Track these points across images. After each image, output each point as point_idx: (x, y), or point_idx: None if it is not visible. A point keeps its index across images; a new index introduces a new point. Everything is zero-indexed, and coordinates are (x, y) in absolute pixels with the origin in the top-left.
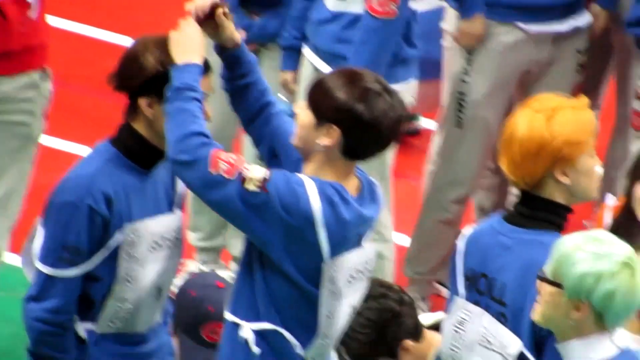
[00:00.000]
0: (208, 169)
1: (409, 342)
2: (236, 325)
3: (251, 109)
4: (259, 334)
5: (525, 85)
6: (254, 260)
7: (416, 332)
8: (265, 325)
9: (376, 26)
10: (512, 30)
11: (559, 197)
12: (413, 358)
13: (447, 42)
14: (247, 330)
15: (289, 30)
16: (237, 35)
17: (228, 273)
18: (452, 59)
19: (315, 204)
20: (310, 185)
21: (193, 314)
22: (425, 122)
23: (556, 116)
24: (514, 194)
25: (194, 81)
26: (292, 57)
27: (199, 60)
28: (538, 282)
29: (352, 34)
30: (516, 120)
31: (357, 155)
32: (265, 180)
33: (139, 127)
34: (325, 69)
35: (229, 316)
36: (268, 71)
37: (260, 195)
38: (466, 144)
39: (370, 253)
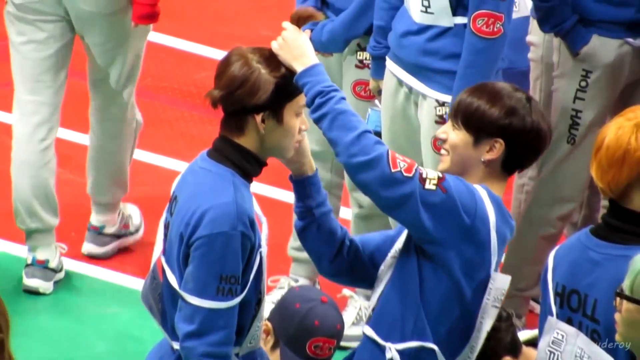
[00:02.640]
0: (388, 167)
1: (507, 358)
2: (378, 344)
3: (334, 242)
4: (404, 353)
5: (624, 96)
6: (409, 273)
7: (514, 347)
8: (412, 344)
9: (483, 47)
10: (623, 46)
11: None
12: None
13: (533, 54)
14: (393, 351)
15: (377, 40)
16: (313, 164)
17: None
18: (540, 70)
19: (489, 206)
20: (481, 191)
21: (298, 327)
22: None
23: None
24: (604, 207)
25: (328, 80)
26: (383, 66)
27: (318, 61)
28: (617, 299)
29: (438, 46)
30: (608, 128)
31: (517, 165)
32: (441, 179)
33: (247, 142)
34: (409, 80)
35: (369, 331)
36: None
37: (439, 194)
38: (579, 161)
39: (507, 282)
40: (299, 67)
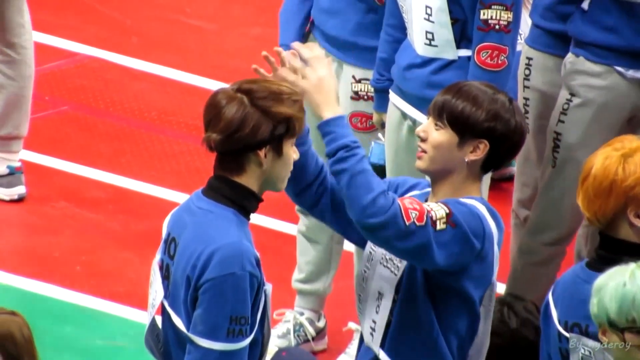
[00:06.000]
0: (403, 222)
1: None
2: None
3: (309, 176)
4: None
5: (634, 132)
6: (421, 304)
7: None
8: None
9: (487, 79)
10: (612, 74)
11: (635, 240)
12: None
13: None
14: None
15: (380, 72)
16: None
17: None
18: (534, 104)
19: (491, 223)
20: (480, 207)
21: None
22: None
23: (634, 156)
24: None
25: (352, 135)
26: (387, 99)
27: (341, 110)
28: (609, 334)
29: (442, 79)
30: (595, 157)
31: (496, 165)
32: (449, 215)
33: (247, 180)
34: (413, 113)
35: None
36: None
37: (450, 231)
38: (559, 186)
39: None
40: (327, 114)
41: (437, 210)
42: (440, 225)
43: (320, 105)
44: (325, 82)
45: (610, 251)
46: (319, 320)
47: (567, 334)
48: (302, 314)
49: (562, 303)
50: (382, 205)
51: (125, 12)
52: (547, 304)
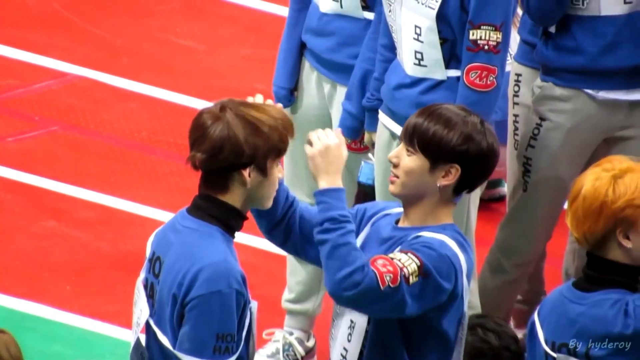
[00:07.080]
0: (378, 287)
1: None
2: None
3: (279, 211)
4: None
5: (609, 153)
6: (391, 336)
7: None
8: None
9: (476, 99)
10: (580, 97)
11: (624, 261)
12: None
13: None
14: None
15: (371, 92)
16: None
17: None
18: (523, 120)
19: (460, 256)
20: (450, 242)
21: None
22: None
23: (624, 177)
24: None
25: (346, 209)
26: (377, 118)
27: (341, 184)
28: None
29: (431, 99)
30: (584, 178)
31: (469, 187)
32: (420, 267)
33: (231, 198)
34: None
35: None
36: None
37: (421, 282)
38: (528, 212)
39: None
40: (325, 183)
41: (409, 265)
42: (412, 279)
43: (320, 172)
44: (331, 150)
45: (598, 271)
46: (308, 340)
47: (554, 354)
48: (291, 333)
49: (549, 323)
50: (357, 280)
51: (116, 33)
52: (533, 324)
